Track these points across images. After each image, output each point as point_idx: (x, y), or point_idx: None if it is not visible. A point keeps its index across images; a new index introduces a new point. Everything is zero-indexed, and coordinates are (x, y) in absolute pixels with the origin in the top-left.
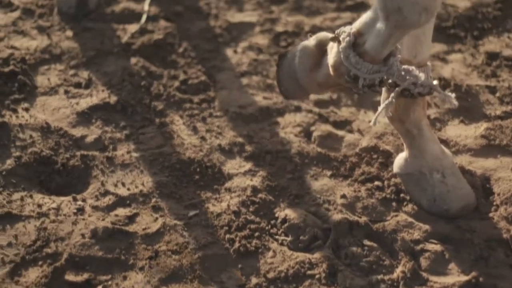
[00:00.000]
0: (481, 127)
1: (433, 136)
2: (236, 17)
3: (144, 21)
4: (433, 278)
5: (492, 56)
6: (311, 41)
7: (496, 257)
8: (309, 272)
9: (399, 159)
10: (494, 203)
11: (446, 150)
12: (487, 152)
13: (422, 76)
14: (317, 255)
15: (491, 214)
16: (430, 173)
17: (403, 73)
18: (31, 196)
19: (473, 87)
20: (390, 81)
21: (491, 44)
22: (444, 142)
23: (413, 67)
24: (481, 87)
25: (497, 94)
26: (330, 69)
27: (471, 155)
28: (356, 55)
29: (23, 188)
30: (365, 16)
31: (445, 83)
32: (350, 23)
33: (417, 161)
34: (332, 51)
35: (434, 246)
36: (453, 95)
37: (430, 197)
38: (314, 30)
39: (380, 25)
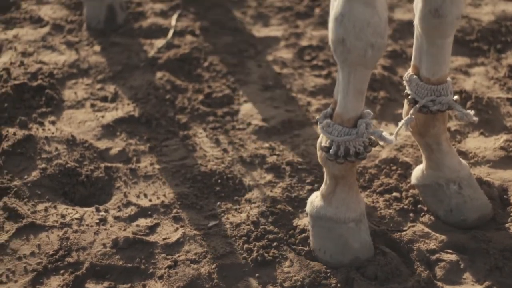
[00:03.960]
0: (501, 139)
1: (452, 149)
2: (262, 31)
3: (171, 36)
4: (448, 287)
5: None
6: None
7: (511, 267)
8: (324, 281)
9: (417, 171)
10: (511, 214)
11: (463, 162)
12: (506, 164)
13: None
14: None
15: (507, 225)
16: (447, 184)
17: (371, 135)
18: (55, 207)
19: (494, 99)
20: (363, 152)
21: None
22: (463, 154)
23: (381, 130)
24: (502, 100)
25: None
26: (318, 154)
27: (489, 166)
28: (329, 119)
29: (47, 199)
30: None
31: (466, 96)
32: None
33: (434, 173)
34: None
35: (449, 256)
36: (472, 112)
37: (447, 207)
38: None
39: (339, 74)
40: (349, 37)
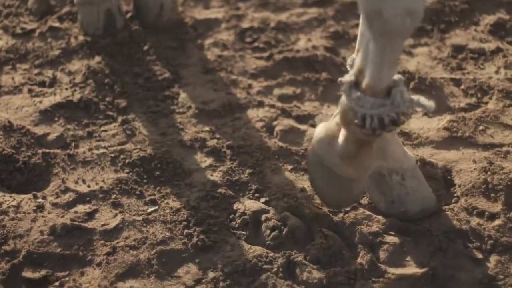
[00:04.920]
0: (444, 119)
1: (396, 138)
2: (203, 13)
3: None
4: (391, 269)
5: (458, 49)
6: (327, 123)
7: (454, 249)
8: (266, 266)
9: None
10: (455, 195)
11: (409, 153)
12: (450, 144)
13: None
14: (274, 248)
15: (451, 206)
16: (389, 174)
17: (407, 104)
18: None
19: (438, 80)
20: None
21: (458, 37)
22: (407, 134)
23: (418, 96)
24: (446, 80)
25: (462, 87)
26: (340, 123)
27: (433, 147)
28: (358, 91)
29: None
30: (361, 52)
31: (409, 77)
32: (316, 18)
33: (377, 162)
34: (340, 106)
35: (392, 238)
36: (432, 102)
37: (388, 199)
38: (280, 26)
39: (371, 45)
40: (386, 6)
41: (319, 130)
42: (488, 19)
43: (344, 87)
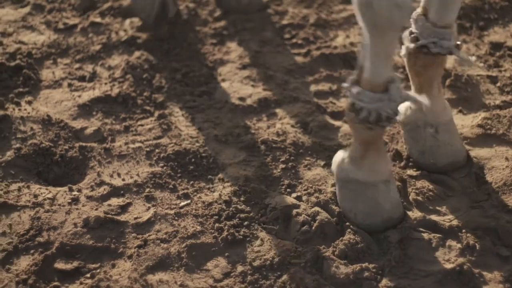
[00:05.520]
0: (479, 116)
1: (441, 95)
2: None
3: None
4: (419, 266)
5: (496, 47)
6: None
7: (483, 246)
8: (294, 260)
9: (405, 107)
10: (486, 192)
11: (448, 107)
12: (483, 141)
13: None
14: (304, 243)
15: (482, 203)
16: (424, 126)
17: (404, 99)
18: (28, 187)
19: (474, 77)
20: (394, 116)
21: (496, 34)
22: None
23: (414, 94)
24: (482, 77)
25: (498, 84)
26: (346, 118)
27: (466, 143)
28: (358, 86)
29: (21, 179)
30: (361, 49)
31: (445, 74)
32: (355, 15)
33: (416, 113)
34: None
35: (422, 235)
36: (474, 58)
37: (420, 149)
38: (319, 22)
39: (366, 39)
40: None
41: (337, 154)
42: None
43: (346, 83)
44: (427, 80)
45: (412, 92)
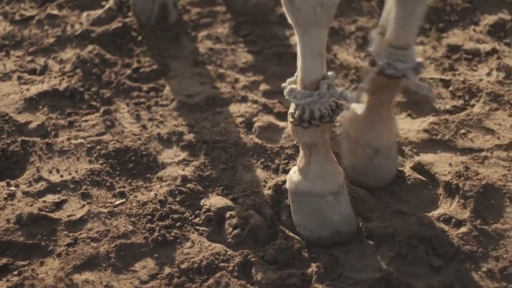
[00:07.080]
0: (427, 121)
1: (389, 119)
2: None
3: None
4: (348, 273)
5: (453, 49)
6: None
7: (415, 255)
8: (222, 264)
9: (353, 113)
10: None
11: (394, 130)
12: (428, 147)
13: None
14: (235, 246)
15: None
16: (365, 145)
17: (333, 96)
18: None
19: (427, 80)
20: (328, 115)
21: (455, 37)
22: None
23: (348, 91)
24: (435, 81)
25: (450, 88)
26: (288, 121)
27: (411, 148)
28: (293, 85)
29: None
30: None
31: None
32: None
33: (364, 129)
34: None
35: (354, 242)
36: (427, 85)
37: (353, 163)
38: (275, 20)
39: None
40: None
41: (291, 170)
42: (489, 19)
43: (285, 84)
44: (378, 101)
45: (342, 89)
